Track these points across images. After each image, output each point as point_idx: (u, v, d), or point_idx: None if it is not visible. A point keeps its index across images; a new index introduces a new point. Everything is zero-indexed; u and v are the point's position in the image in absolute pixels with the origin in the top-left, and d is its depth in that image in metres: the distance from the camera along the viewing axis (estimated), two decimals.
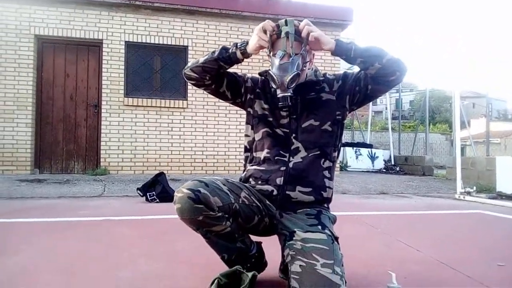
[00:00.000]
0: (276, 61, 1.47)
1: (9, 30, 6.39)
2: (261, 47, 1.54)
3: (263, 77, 1.74)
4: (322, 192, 1.63)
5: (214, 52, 1.60)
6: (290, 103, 1.51)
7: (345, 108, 1.66)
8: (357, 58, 1.51)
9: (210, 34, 7.19)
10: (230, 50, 1.58)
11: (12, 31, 6.40)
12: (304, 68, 1.58)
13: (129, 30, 6.85)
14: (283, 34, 1.50)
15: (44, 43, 6.66)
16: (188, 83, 1.73)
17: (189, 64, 1.66)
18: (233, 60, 1.59)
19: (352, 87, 1.63)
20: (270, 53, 1.53)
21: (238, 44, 1.57)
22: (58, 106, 6.70)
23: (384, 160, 11.02)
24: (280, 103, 1.49)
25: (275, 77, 1.46)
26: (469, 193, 5.42)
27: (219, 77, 1.65)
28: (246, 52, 1.56)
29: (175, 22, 7.04)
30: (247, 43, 1.56)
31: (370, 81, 1.56)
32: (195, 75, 1.63)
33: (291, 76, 1.44)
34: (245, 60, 1.64)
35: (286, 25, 1.50)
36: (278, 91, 1.48)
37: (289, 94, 1.47)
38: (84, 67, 6.83)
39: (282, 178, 1.59)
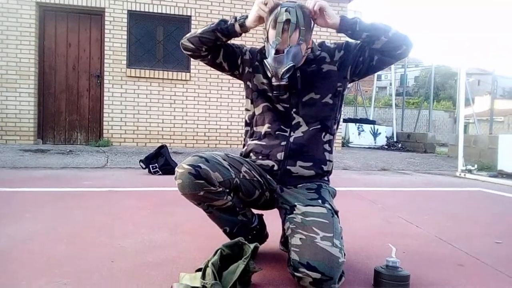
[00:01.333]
0: (272, 52, 1.44)
1: None
2: (261, 20, 1.51)
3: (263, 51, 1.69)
4: (323, 166, 1.64)
5: (212, 23, 1.59)
6: (285, 92, 1.54)
7: (346, 79, 1.63)
8: (363, 32, 1.49)
9: (214, 4, 7.05)
10: (228, 22, 1.56)
11: None
12: (305, 54, 1.54)
13: None
14: (281, 19, 1.41)
15: (46, 11, 6.56)
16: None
17: (187, 35, 1.65)
18: (231, 32, 1.57)
19: (356, 57, 1.59)
20: (267, 39, 1.49)
21: (238, 17, 1.55)
22: (60, 76, 6.67)
23: (387, 137, 11.02)
24: (274, 92, 1.51)
25: (269, 67, 1.44)
26: (470, 171, 5.44)
27: (215, 48, 1.63)
28: (245, 25, 1.54)
29: None
30: (247, 17, 1.54)
31: (375, 52, 1.54)
32: (192, 45, 1.62)
33: (286, 68, 1.41)
34: (250, 31, 1.61)
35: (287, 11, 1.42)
36: (273, 80, 1.47)
37: (284, 83, 1.45)
38: (86, 36, 6.75)
39: (283, 153, 1.59)
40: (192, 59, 1.72)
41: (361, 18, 1.52)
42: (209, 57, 1.66)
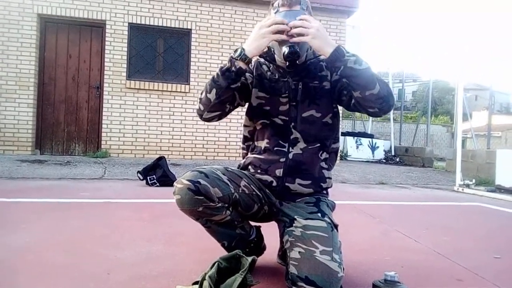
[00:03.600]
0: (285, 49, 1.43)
1: (12, 8, 6.34)
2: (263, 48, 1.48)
3: (259, 61, 1.67)
4: (322, 183, 1.63)
5: (216, 81, 1.46)
6: (297, 61, 1.47)
7: (335, 101, 1.62)
8: (346, 75, 1.42)
9: (214, 18, 7.13)
10: (232, 68, 1.44)
11: (15, 10, 6.35)
12: (308, 52, 1.58)
13: (132, 12, 6.79)
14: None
15: (47, 23, 6.61)
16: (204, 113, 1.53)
17: (200, 108, 1.53)
18: (240, 74, 1.47)
19: (342, 88, 1.56)
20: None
21: (235, 56, 1.44)
22: (60, 87, 6.69)
23: (385, 151, 11.03)
24: (288, 58, 1.43)
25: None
26: (468, 186, 5.44)
27: (233, 98, 1.55)
28: (248, 58, 1.45)
29: (179, 4, 6.97)
30: (243, 49, 1.45)
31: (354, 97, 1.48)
32: (217, 112, 1.53)
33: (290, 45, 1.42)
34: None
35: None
36: (284, 48, 1.43)
37: (296, 49, 1.42)
38: (86, 48, 6.79)
39: (282, 169, 1.57)
40: (215, 120, 1.58)
41: (358, 58, 1.41)
42: (231, 108, 1.58)
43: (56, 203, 3.24)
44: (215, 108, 1.51)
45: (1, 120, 6.33)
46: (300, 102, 1.58)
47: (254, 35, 1.45)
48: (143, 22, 6.84)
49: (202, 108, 1.53)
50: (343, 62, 1.39)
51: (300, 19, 1.43)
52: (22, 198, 3.34)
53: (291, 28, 1.42)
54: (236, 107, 1.63)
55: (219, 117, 1.57)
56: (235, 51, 1.46)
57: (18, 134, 6.38)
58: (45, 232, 2.28)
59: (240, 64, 1.44)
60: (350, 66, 1.38)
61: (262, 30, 1.44)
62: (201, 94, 1.52)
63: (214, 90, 1.46)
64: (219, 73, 1.46)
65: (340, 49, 1.40)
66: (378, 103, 1.41)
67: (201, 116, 1.55)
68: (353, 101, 1.49)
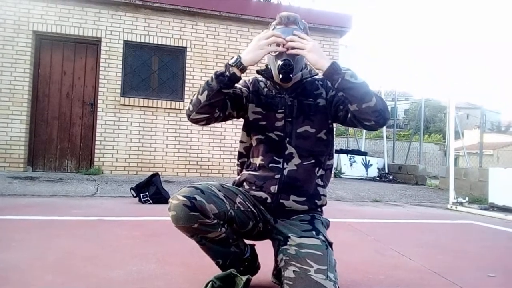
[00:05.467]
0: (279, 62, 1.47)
1: (7, 25, 6.35)
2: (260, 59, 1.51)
3: (256, 78, 1.71)
4: (316, 201, 1.63)
5: (210, 84, 1.47)
6: (291, 74, 1.48)
7: (331, 118, 1.64)
8: (343, 89, 1.45)
9: (209, 36, 7.20)
10: (226, 73, 1.46)
11: (10, 26, 6.36)
12: (303, 68, 1.62)
13: (128, 30, 6.84)
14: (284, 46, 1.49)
15: (42, 40, 6.63)
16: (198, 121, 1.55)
17: (190, 109, 1.54)
18: (233, 80, 1.48)
19: (338, 103, 1.58)
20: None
21: (232, 63, 1.47)
22: (53, 104, 6.67)
23: (378, 168, 11.06)
24: (282, 71, 1.46)
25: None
26: (461, 204, 5.45)
27: (224, 104, 1.57)
28: (243, 66, 1.47)
29: (174, 23, 7.04)
30: (239, 57, 1.47)
31: (350, 112, 1.51)
32: (205, 115, 1.53)
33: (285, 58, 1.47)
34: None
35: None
36: (279, 61, 1.47)
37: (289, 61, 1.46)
38: (81, 65, 6.80)
39: (277, 186, 1.57)
40: (203, 123, 1.58)
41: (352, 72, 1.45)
42: (221, 115, 1.58)
43: (47, 220, 3.19)
44: (204, 110, 1.51)
45: None
46: (295, 118, 1.60)
47: (252, 46, 1.49)
48: (138, 40, 6.89)
49: (191, 108, 1.54)
50: (340, 74, 1.42)
51: (296, 35, 1.48)
52: (12, 216, 3.29)
53: (287, 42, 1.46)
54: (228, 117, 1.63)
55: (207, 121, 1.56)
56: (232, 58, 1.49)
57: (10, 150, 6.32)
58: (35, 251, 2.23)
59: (235, 71, 1.46)
60: (347, 79, 1.41)
61: (260, 42, 1.48)
62: (193, 95, 1.54)
63: (205, 92, 1.48)
64: (213, 76, 1.48)
65: (336, 63, 1.44)
66: (374, 116, 1.43)
67: (189, 116, 1.56)
68: (349, 115, 1.52)
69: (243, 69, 1.47)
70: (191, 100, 1.54)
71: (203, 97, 1.48)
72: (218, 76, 1.47)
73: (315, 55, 1.44)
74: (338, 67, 1.43)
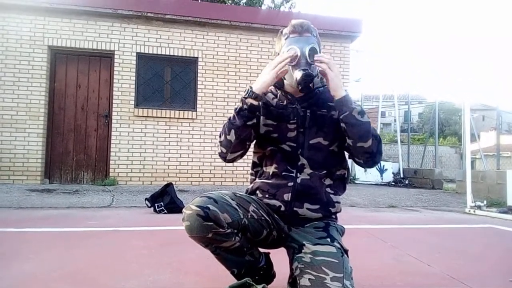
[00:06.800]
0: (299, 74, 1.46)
1: (24, 41, 6.53)
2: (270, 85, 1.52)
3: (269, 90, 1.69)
4: (331, 208, 1.62)
5: (233, 122, 1.51)
6: (311, 82, 1.49)
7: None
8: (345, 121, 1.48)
9: (220, 46, 7.27)
10: (244, 107, 1.49)
11: (26, 42, 6.53)
12: (317, 78, 1.60)
13: (140, 42, 6.95)
14: (304, 53, 1.49)
15: (57, 54, 6.79)
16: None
17: (223, 151, 1.57)
18: (253, 111, 1.50)
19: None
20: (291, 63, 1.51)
21: (246, 95, 1.49)
22: (69, 116, 6.79)
23: (393, 173, 10.93)
24: (303, 81, 1.45)
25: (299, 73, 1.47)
26: (479, 207, 5.34)
27: (251, 134, 1.58)
28: (257, 95, 1.49)
29: (185, 33, 7.13)
30: (250, 87, 1.49)
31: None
32: (239, 152, 1.57)
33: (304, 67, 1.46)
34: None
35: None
36: (297, 71, 1.47)
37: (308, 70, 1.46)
38: (95, 78, 6.93)
39: (290, 194, 1.57)
40: (239, 159, 1.61)
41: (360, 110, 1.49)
42: (250, 144, 1.62)
43: (64, 232, 3.24)
44: (237, 148, 1.55)
45: (11, 150, 6.41)
46: (307, 129, 1.59)
47: (262, 73, 1.51)
48: (150, 52, 6.99)
49: (224, 150, 1.56)
50: (350, 108, 1.46)
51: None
52: (30, 228, 3.34)
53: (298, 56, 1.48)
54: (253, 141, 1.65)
55: (241, 156, 1.60)
56: (244, 91, 1.51)
57: (27, 163, 6.45)
58: (52, 262, 2.26)
59: (251, 101, 1.48)
60: (354, 114, 1.46)
61: (269, 69, 1.49)
62: (220, 137, 1.56)
63: (232, 131, 1.51)
64: (234, 114, 1.51)
65: (349, 96, 1.48)
66: (364, 157, 1.50)
67: (224, 158, 1.58)
68: (346, 144, 1.56)
69: (256, 97, 1.49)
70: (220, 142, 1.56)
71: (231, 137, 1.51)
72: (239, 112, 1.50)
73: (338, 81, 1.47)
74: (350, 101, 1.47)
